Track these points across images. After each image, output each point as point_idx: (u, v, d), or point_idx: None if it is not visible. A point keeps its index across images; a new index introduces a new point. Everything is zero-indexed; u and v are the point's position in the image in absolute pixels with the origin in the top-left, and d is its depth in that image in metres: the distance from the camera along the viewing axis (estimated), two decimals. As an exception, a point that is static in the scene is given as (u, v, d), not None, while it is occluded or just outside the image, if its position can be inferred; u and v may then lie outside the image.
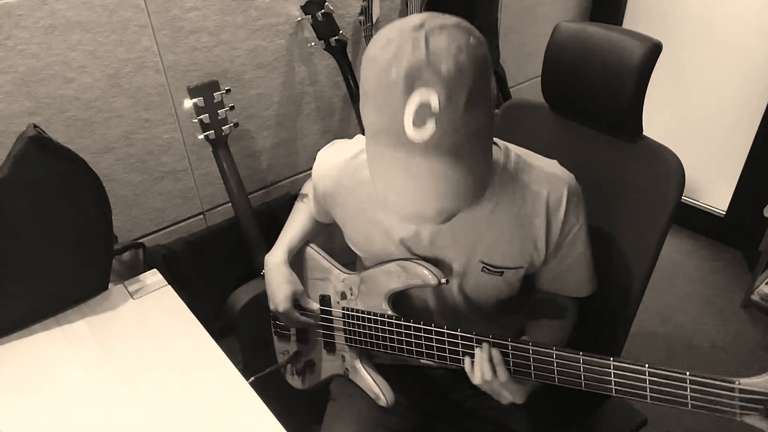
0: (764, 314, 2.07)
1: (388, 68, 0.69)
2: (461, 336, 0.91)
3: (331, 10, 1.45)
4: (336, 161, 1.00)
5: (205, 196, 1.52)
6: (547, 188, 0.91)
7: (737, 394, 0.73)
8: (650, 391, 0.79)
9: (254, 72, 1.46)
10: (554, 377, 0.85)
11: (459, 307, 1.02)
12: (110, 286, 1.13)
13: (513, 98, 1.28)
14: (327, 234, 1.20)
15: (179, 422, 0.87)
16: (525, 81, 2.20)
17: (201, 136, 1.31)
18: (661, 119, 2.36)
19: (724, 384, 0.74)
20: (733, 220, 2.31)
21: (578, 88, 1.07)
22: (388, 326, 1.00)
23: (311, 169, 1.08)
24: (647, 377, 0.79)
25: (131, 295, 1.11)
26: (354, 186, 0.98)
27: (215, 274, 1.51)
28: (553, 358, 0.84)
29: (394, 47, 0.69)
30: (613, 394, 0.82)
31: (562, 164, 0.96)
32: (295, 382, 1.24)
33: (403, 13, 1.69)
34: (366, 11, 1.52)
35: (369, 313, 1.02)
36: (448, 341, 0.93)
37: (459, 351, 0.92)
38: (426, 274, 0.94)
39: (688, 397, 0.76)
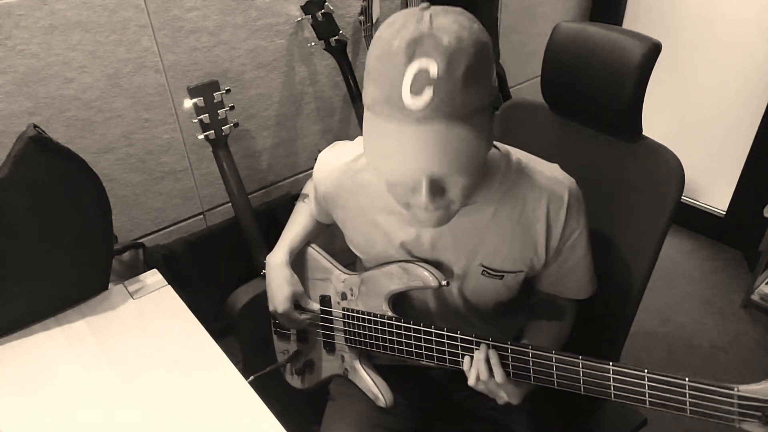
0: (764, 314, 2.07)
1: (390, 40, 0.71)
2: (461, 338, 0.91)
3: (331, 10, 1.45)
4: (337, 163, 1.00)
5: (205, 196, 1.52)
6: (548, 193, 0.91)
7: (736, 401, 0.73)
8: (649, 397, 0.79)
9: (254, 72, 1.46)
10: (553, 381, 0.85)
11: (459, 310, 1.02)
12: (110, 286, 1.13)
13: (513, 98, 1.28)
14: (328, 235, 1.20)
15: (179, 422, 0.87)
16: (525, 81, 2.20)
17: (201, 136, 1.31)
18: (661, 119, 2.36)
19: (723, 390, 0.74)
20: (733, 220, 2.31)
21: (578, 88, 1.07)
22: (388, 327, 1.00)
23: (311, 169, 1.08)
24: (646, 382, 0.78)
25: (131, 295, 1.11)
26: (355, 188, 0.98)
27: (215, 274, 1.51)
28: (552, 362, 0.84)
29: (399, 23, 0.72)
30: (612, 399, 0.82)
31: (561, 164, 0.96)
32: (294, 381, 1.24)
33: (403, 13, 1.68)
34: (366, 11, 1.52)
35: (369, 314, 1.02)
36: (447, 343, 0.93)
37: (458, 353, 0.92)
38: (427, 276, 0.94)
39: (687, 403, 0.76)
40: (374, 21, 1.52)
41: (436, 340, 0.94)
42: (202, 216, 1.54)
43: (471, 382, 0.88)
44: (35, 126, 0.94)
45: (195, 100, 1.28)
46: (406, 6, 1.67)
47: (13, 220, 0.96)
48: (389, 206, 0.95)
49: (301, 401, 1.25)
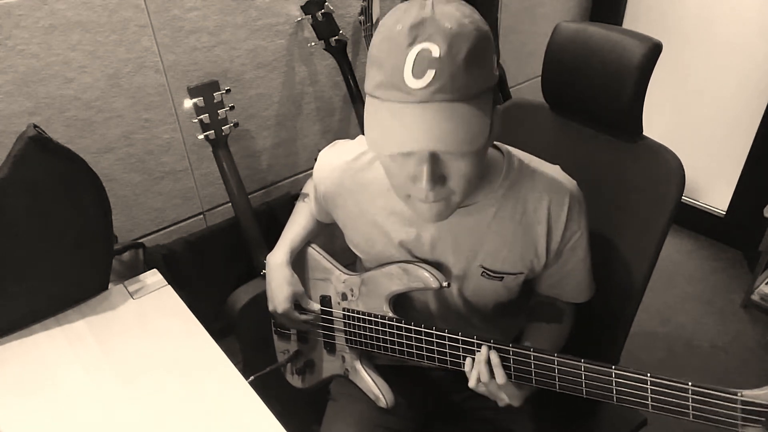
0: (764, 314, 2.07)
1: (393, 25, 0.72)
2: (462, 339, 0.91)
3: (331, 10, 1.45)
4: (337, 162, 1.00)
5: (205, 196, 1.52)
6: (549, 195, 0.91)
7: (739, 406, 0.72)
8: (651, 401, 0.78)
9: (254, 72, 1.46)
10: (555, 383, 0.85)
11: (459, 310, 1.02)
12: (110, 286, 1.13)
13: (513, 98, 1.28)
14: (328, 234, 1.20)
15: (179, 422, 0.87)
16: (525, 81, 2.20)
17: (201, 136, 1.31)
18: (661, 119, 2.36)
19: (726, 395, 0.73)
20: (733, 220, 2.31)
21: (578, 88, 1.07)
22: (388, 328, 1.00)
23: (311, 169, 1.08)
24: (649, 386, 0.78)
25: (131, 295, 1.11)
26: (355, 188, 0.98)
27: (215, 274, 1.51)
28: (554, 364, 0.84)
29: (402, 10, 0.73)
30: (614, 402, 0.81)
31: (562, 164, 0.96)
32: (294, 381, 1.24)
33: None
34: (366, 11, 1.52)
35: (369, 314, 1.02)
36: (448, 344, 0.93)
37: (459, 354, 0.92)
38: (427, 277, 0.93)
39: (690, 407, 0.76)
40: (374, 21, 1.52)
41: (437, 342, 0.94)
42: (202, 216, 1.54)
43: (472, 383, 0.88)
44: (35, 126, 0.94)
45: (195, 100, 1.28)
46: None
47: (13, 220, 0.96)
48: (390, 206, 0.95)
49: (301, 401, 1.25)
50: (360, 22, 1.56)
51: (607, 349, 1.12)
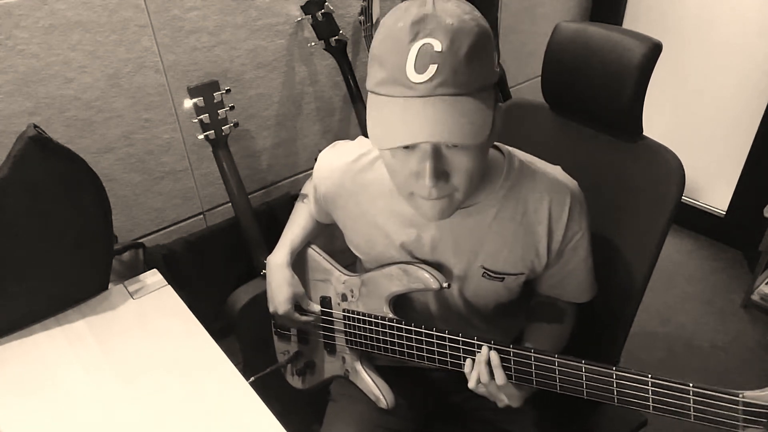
0: (764, 314, 2.07)
1: (394, 23, 0.73)
2: (462, 340, 0.91)
3: (331, 10, 1.45)
4: (337, 163, 1.00)
5: (205, 196, 1.52)
6: (550, 195, 0.91)
7: (741, 407, 0.72)
8: (653, 402, 0.78)
9: (254, 72, 1.46)
10: (556, 385, 0.85)
11: (459, 311, 1.02)
12: (110, 286, 1.13)
13: (513, 98, 1.28)
14: (327, 235, 1.20)
15: (179, 422, 0.87)
16: (525, 81, 2.20)
17: (201, 136, 1.31)
18: (661, 119, 2.35)
19: (727, 397, 0.73)
20: (733, 220, 2.31)
21: (578, 88, 1.07)
22: (389, 329, 1.00)
23: (311, 169, 1.08)
24: (650, 387, 0.78)
25: (131, 295, 1.11)
26: (355, 189, 0.98)
27: (215, 274, 1.51)
28: (555, 365, 0.84)
29: (403, 8, 0.74)
30: (615, 404, 0.81)
31: (562, 164, 0.96)
32: (295, 382, 1.24)
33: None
34: (366, 11, 1.52)
35: (370, 315, 1.02)
36: (449, 345, 0.93)
37: (460, 355, 0.92)
38: (428, 278, 0.93)
39: (691, 408, 0.76)
40: (374, 21, 1.52)
41: (437, 343, 0.94)
42: (202, 216, 1.54)
43: (471, 384, 0.88)
44: (35, 126, 0.94)
45: (195, 100, 1.28)
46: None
47: (13, 220, 0.96)
48: (390, 207, 0.95)
49: (301, 402, 1.25)
50: (360, 22, 1.56)
51: (607, 349, 1.12)
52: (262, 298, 1.16)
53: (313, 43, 1.50)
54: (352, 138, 1.06)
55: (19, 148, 0.93)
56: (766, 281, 2.10)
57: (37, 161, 0.94)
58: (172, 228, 1.49)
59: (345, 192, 0.99)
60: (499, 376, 0.86)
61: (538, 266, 0.96)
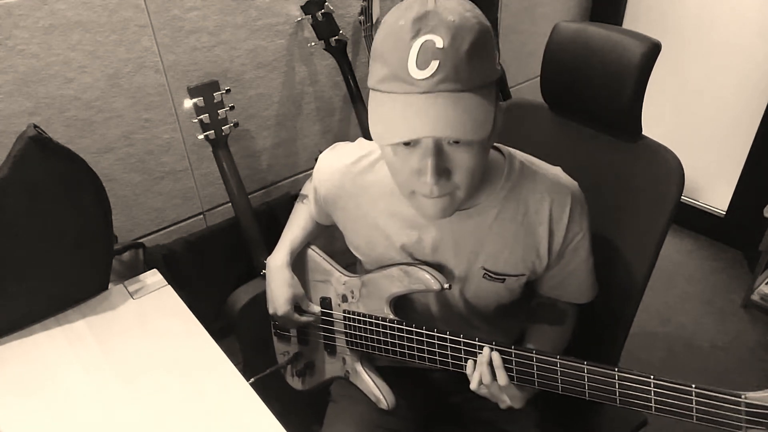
0: (764, 314, 2.07)
1: (396, 20, 0.73)
2: (463, 341, 0.90)
3: (331, 10, 1.45)
4: (337, 165, 1.00)
5: (205, 196, 1.52)
6: (551, 196, 0.91)
7: (743, 408, 0.72)
8: (655, 403, 0.78)
9: (254, 72, 1.46)
10: (558, 386, 0.84)
11: (460, 312, 1.02)
12: (110, 286, 1.13)
13: (513, 98, 1.28)
14: (327, 236, 1.20)
15: (179, 422, 0.87)
16: (525, 81, 2.20)
17: (201, 136, 1.31)
18: (661, 119, 2.35)
19: (729, 398, 0.73)
20: (733, 220, 2.31)
21: (578, 88, 1.07)
22: (389, 330, 0.99)
23: (311, 169, 1.08)
24: (652, 389, 0.78)
25: (131, 295, 1.11)
26: (356, 190, 0.98)
27: (215, 274, 1.51)
28: (557, 366, 0.84)
29: (404, 6, 0.74)
30: (618, 405, 0.81)
31: (561, 164, 0.96)
32: (295, 383, 1.24)
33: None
34: (366, 11, 1.52)
35: (370, 316, 1.02)
36: (450, 346, 0.92)
37: (461, 356, 0.92)
38: (428, 279, 0.93)
39: (694, 409, 0.75)
40: (374, 21, 1.52)
41: (438, 344, 0.94)
42: (202, 216, 1.54)
43: (473, 385, 0.88)
44: (35, 126, 0.94)
45: (195, 100, 1.28)
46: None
47: (13, 220, 0.96)
48: (391, 208, 0.95)
49: (301, 402, 1.25)
50: (360, 22, 1.56)
51: (608, 349, 1.12)
52: (262, 298, 1.16)
53: (313, 43, 1.50)
54: (352, 139, 1.06)
55: (19, 148, 0.93)
56: (766, 281, 2.10)
57: (37, 161, 0.94)
58: (172, 228, 1.49)
59: (345, 194, 0.99)
60: (502, 377, 0.85)
61: (538, 267, 0.96)
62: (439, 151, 0.76)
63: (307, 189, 1.18)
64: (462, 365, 0.92)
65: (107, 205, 1.05)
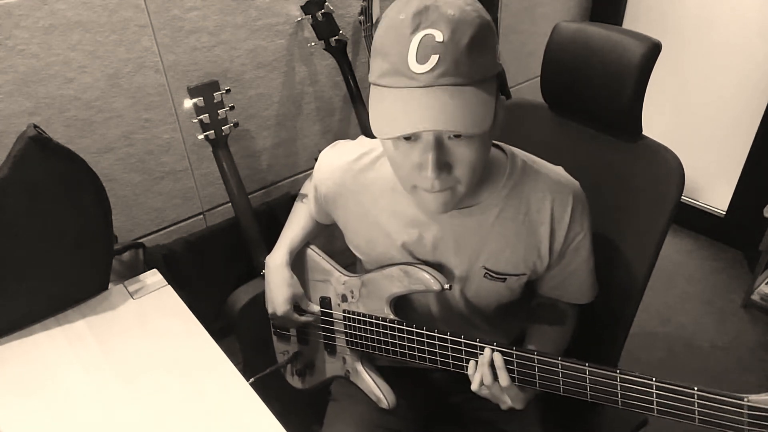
0: (764, 314, 2.07)
1: (396, 15, 0.73)
2: (464, 342, 0.90)
3: (331, 10, 1.45)
4: (338, 163, 1.00)
5: (205, 196, 1.52)
6: (553, 195, 0.91)
7: (746, 411, 0.72)
8: (657, 405, 0.78)
9: (254, 72, 1.46)
10: (559, 387, 0.84)
11: (460, 312, 1.02)
12: (110, 286, 1.13)
13: (513, 98, 1.28)
14: (327, 235, 1.20)
15: (179, 422, 0.87)
16: (525, 81, 2.20)
17: (201, 136, 1.31)
18: (661, 119, 2.35)
19: (732, 401, 0.73)
20: (733, 220, 2.31)
21: (578, 88, 1.07)
22: (390, 330, 0.99)
23: (311, 169, 1.08)
24: (654, 391, 0.78)
25: (131, 295, 1.11)
26: (356, 188, 0.98)
27: (215, 274, 1.51)
28: (558, 368, 0.83)
29: (404, 1, 0.74)
30: (620, 407, 0.81)
31: (562, 164, 0.96)
32: (295, 382, 1.24)
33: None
34: (366, 11, 1.52)
35: (370, 316, 1.02)
36: (451, 347, 0.92)
37: (462, 357, 0.92)
38: (429, 279, 0.93)
39: (696, 412, 0.75)
40: (374, 21, 1.52)
41: (439, 344, 0.94)
42: (202, 216, 1.54)
43: (475, 387, 0.88)
44: (35, 126, 0.94)
45: (195, 100, 1.28)
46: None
47: (13, 220, 0.96)
48: (392, 207, 0.95)
49: (301, 402, 1.25)
50: (360, 22, 1.56)
51: (608, 349, 1.12)
52: (262, 298, 1.16)
53: (313, 43, 1.50)
54: (352, 138, 1.06)
55: (19, 148, 0.93)
56: (766, 281, 2.10)
57: (37, 161, 0.94)
58: (172, 228, 1.49)
59: (346, 191, 0.99)
60: (503, 378, 0.85)
61: (539, 267, 0.96)
62: (439, 145, 0.76)
63: (307, 188, 1.17)
64: (463, 366, 0.92)
65: (107, 205, 1.05)
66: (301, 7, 1.45)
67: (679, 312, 2.11)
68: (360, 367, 1.08)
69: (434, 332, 0.93)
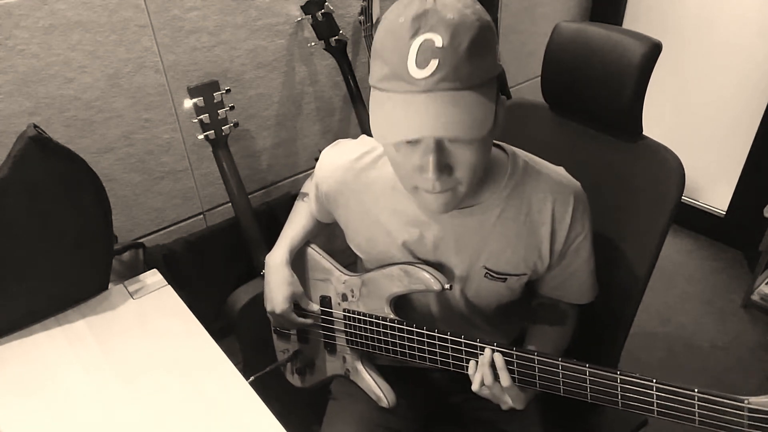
0: (764, 314, 2.07)
1: (396, 18, 0.73)
2: (465, 342, 0.90)
3: (331, 10, 1.45)
4: (340, 162, 1.00)
5: (205, 196, 1.52)
6: (554, 196, 0.91)
7: (746, 413, 0.72)
8: (657, 406, 0.78)
9: (254, 72, 1.46)
10: (559, 388, 0.84)
11: (461, 311, 1.02)
12: (110, 286, 1.13)
13: (513, 98, 1.28)
14: (327, 234, 1.20)
15: (179, 422, 0.87)
16: (525, 81, 2.20)
17: (201, 136, 1.31)
18: (661, 119, 2.36)
19: (732, 402, 0.73)
20: (733, 220, 2.31)
21: (578, 88, 1.07)
22: (390, 330, 0.99)
23: (311, 169, 1.08)
24: (654, 392, 0.78)
25: (131, 295, 1.11)
26: (358, 187, 0.98)
27: (215, 274, 1.51)
28: (558, 369, 0.83)
29: (404, 4, 0.74)
30: (620, 408, 0.81)
31: (562, 164, 0.96)
32: (294, 381, 1.24)
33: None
34: (366, 11, 1.51)
35: (371, 316, 1.02)
36: (451, 347, 0.92)
37: (462, 357, 0.91)
38: (429, 279, 0.93)
39: (696, 413, 0.75)
40: (374, 21, 1.52)
41: (439, 344, 0.94)
42: (202, 216, 1.54)
43: (475, 387, 0.88)
44: (35, 126, 0.94)
45: (195, 100, 1.28)
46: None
47: (13, 220, 0.96)
48: (393, 205, 0.95)
49: (301, 401, 1.25)
50: (360, 22, 1.56)
51: (608, 349, 1.12)
52: (262, 298, 1.15)
53: (313, 43, 1.50)
54: (353, 138, 1.06)
55: (19, 148, 0.93)
56: (766, 281, 2.10)
57: (37, 161, 0.94)
58: (172, 228, 1.49)
59: (347, 190, 0.99)
60: (504, 378, 0.85)
61: (540, 267, 0.96)
62: (440, 148, 0.76)
63: (308, 187, 1.17)
64: (463, 366, 0.92)
65: (107, 205, 1.05)
66: (301, 7, 1.45)
67: (679, 312, 2.11)
68: (360, 366, 1.08)
69: (434, 332, 0.93)
